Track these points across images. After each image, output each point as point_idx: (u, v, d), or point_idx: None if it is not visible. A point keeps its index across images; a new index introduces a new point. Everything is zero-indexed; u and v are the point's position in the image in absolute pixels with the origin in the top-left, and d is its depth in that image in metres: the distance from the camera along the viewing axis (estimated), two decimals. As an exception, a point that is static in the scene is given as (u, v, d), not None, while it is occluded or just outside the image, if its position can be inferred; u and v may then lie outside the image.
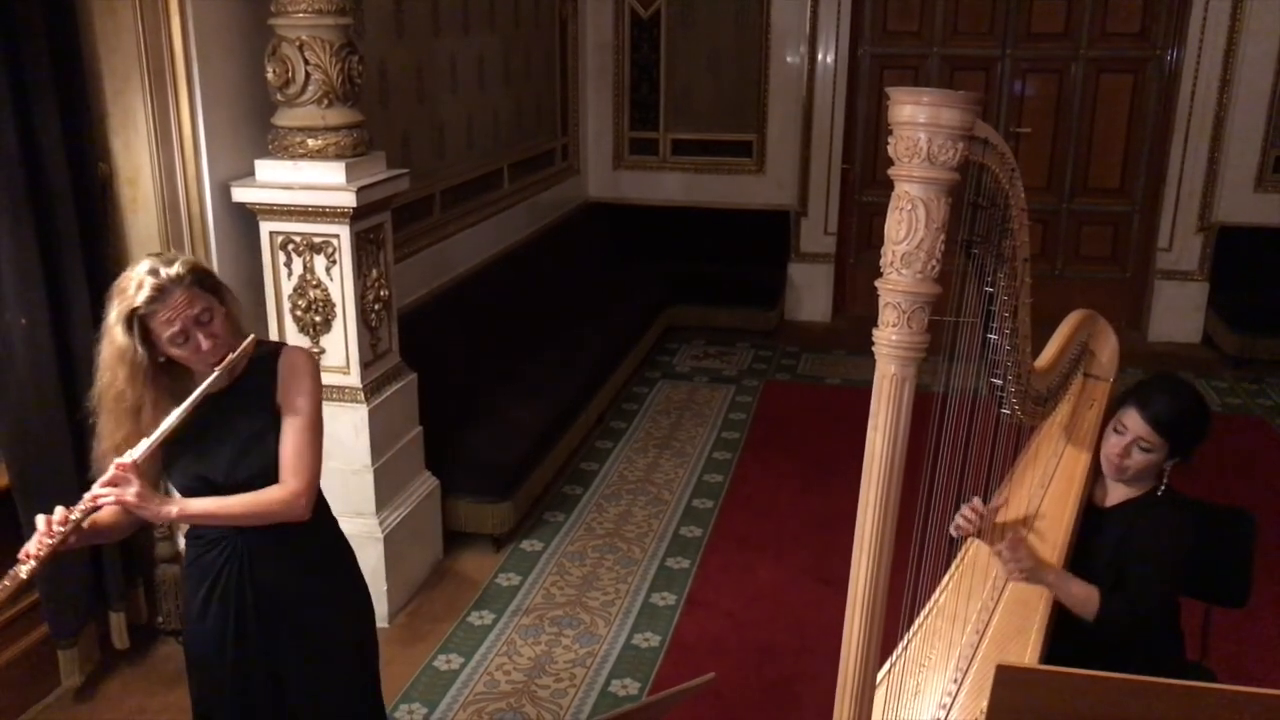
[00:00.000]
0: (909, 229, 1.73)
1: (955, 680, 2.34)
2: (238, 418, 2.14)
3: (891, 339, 1.77)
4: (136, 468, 1.97)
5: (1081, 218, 7.17)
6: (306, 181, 3.40)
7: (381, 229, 3.69)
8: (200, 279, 2.06)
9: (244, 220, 3.50)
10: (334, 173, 3.40)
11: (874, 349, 1.79)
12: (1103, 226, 7.18)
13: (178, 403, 2.03)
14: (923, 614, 2.45)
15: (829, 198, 7.20)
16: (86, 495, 1.97)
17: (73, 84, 3.00)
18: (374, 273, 3.64)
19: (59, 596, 3.16)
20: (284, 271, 3.52)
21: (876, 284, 1.78)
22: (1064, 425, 2.52)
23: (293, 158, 3.42)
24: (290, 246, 3.50)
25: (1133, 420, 2.34)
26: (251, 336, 2.10)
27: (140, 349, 1.99)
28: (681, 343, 6.89)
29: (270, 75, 3.36)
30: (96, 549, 3.23)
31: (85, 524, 1.97)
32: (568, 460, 4.99)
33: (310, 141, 3.40)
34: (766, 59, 7.05)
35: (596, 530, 4.44)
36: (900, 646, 2.42)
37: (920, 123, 1.69)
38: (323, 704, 2.34)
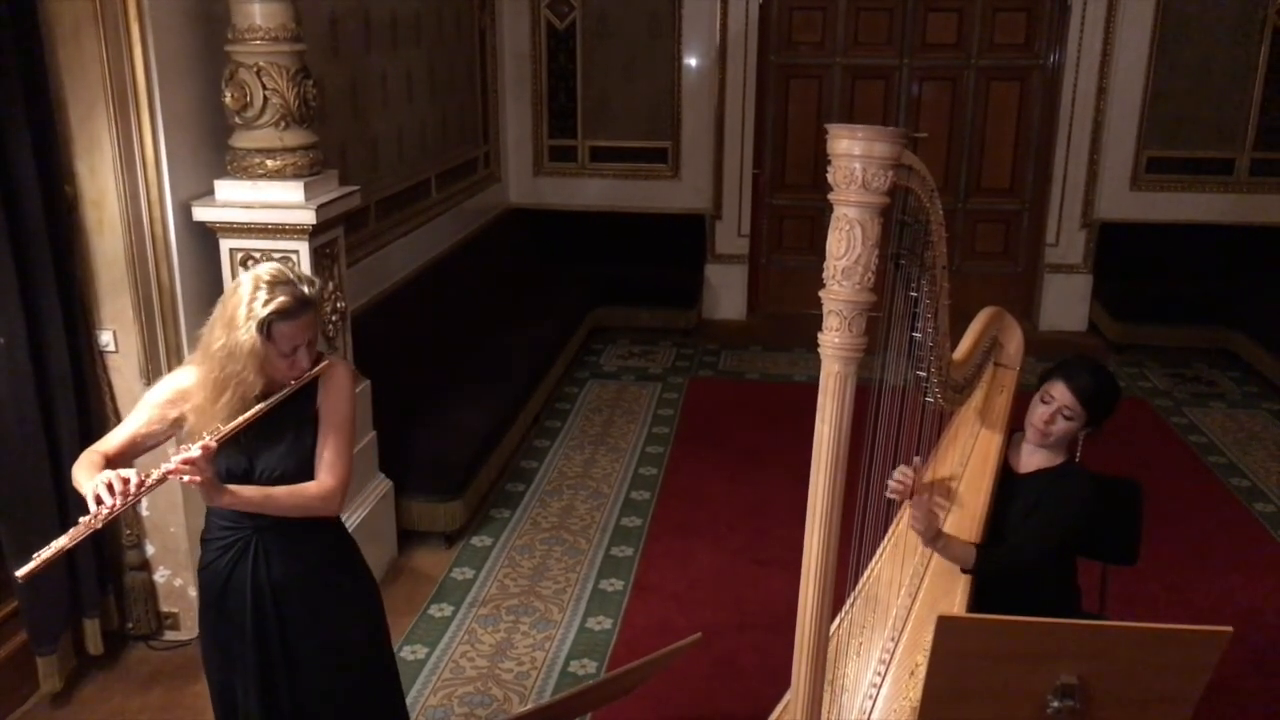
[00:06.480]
0: (848, 246, 2.02)
1: (893, 639, 2.65)
2: (284, 420, 2.33)
3: (835, 341, 2.05)
4: (210, 452, 2.13)
5: (976, 216, 7.66)
6: (266, 200, 3.56)
7: (336, 243, 3.86)
8: (318, 305, 2.32)
9: (204, 238, 3.64)
10: (293, 191, 3.56)
11: (819, 350, 2.06)
12: (996, 224, 7.69)
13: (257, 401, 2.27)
14: (862, 580, 2.76)
15: (741, 201, 7.54)
16: (165, 465, 2.10)
17: (42, 113, 3.11)
18: (330, 285, 3.82)
19: (40, 607, 3.26)
20: (244, 287, 3.67)
21: (821, 294, 2.06)
22: (979, 409, 2.86)
23: (252, 178, 3.57)
24: (250, 263, 3.64)
25: (1059, 391, 2.69)
26: (326, 361, 2.36)
27: (265, 348, 2.23)
28: (607, 343, 7.15)
29: (228, 99, 3.50)
30: (72, 557, 3.34)
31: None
32: (509, 459, 5.21)
33: (269, 162, 3.55)
34: (679, 69, 7.35)
35: (542, 524, 4.68)
36: (844, 610, 2.73)
37: (856, 154, 1.96)
38: (341, 698, 2.50)
